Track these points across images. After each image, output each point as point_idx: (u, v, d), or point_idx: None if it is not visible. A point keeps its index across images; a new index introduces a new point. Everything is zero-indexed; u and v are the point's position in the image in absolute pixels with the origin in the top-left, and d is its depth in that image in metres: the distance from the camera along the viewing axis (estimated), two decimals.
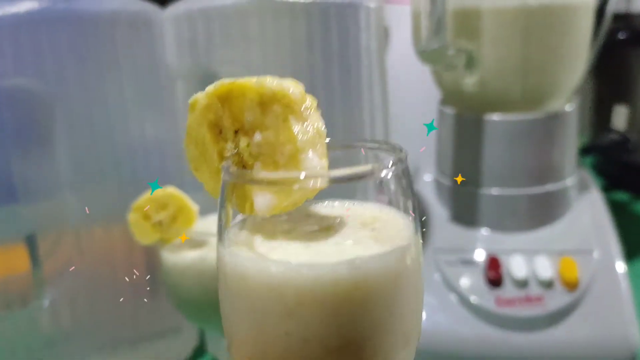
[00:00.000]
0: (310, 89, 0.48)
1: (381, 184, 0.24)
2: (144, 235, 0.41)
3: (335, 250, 0.23)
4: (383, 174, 0.23)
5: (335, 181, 0.22)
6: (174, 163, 0.54)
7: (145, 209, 0.40)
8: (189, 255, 0.40)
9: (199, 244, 0.41)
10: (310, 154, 0.21)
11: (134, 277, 0.55)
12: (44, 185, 0.50)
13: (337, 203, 0.26)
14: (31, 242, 0.51)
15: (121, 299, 0.53)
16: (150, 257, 0.55)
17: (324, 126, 0.22)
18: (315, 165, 0.21)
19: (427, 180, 0.67)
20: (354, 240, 0.23)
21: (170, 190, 0.41)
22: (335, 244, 0.23)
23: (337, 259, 0.21)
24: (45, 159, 0.50)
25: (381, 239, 0.23)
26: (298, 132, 0.21)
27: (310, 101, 0.22)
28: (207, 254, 0.40)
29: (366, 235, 0.24)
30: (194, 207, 0.41)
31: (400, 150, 0.25)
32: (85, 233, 0.52)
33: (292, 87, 0.22)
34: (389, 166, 0.23)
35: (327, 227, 0.24)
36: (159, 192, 0.40)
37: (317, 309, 0.21)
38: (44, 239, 0.51)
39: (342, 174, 0.22)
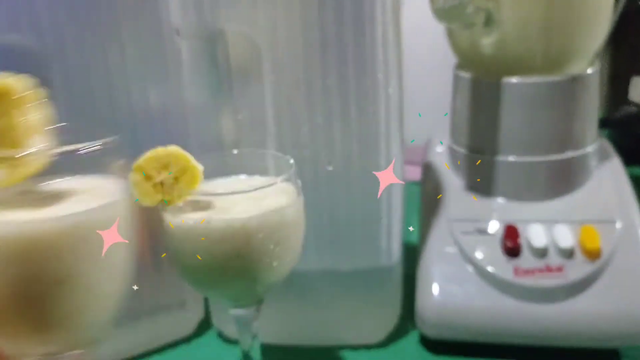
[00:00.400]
0: (321, 49, 0.45)
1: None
2: (146, 196, 0.39)
3: (42, 211, 0.30)
4: (85, 151, 0.31)
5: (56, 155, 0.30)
6: (178, 130, 0.52)
7: (146, 169, 0.38)
8: (192, 218, 0.38)
9: (204, 205, 0.39)
10: (35, 137, 0.28)
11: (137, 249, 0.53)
12: None
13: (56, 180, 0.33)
14: None
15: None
16: (154, 228, 0.53)
17: (44, 116, 0.29)
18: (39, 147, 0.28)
19: (439, 150, 0.65)
20: (67, 203, 0.31)
21: (173, 149, 0.38)
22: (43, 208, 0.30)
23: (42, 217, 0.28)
24: None
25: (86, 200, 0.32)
26: (22, 121, 0.28)
27: (34, 95, 0.29)
28: (211, 216, 0.38)
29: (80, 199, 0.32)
30: (199, 167, 0.39)
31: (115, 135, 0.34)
32: None
33: (19, 84, 0.29)
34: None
35: (44, 197, 0.31)
36: (161, 151, 0.38)
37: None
38: None
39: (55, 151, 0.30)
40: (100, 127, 0.48)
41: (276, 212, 0.39)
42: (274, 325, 0.54)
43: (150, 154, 0.39)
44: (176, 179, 0.39)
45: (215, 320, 0.58)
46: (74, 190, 0.32)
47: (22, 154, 0.27)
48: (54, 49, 0.45)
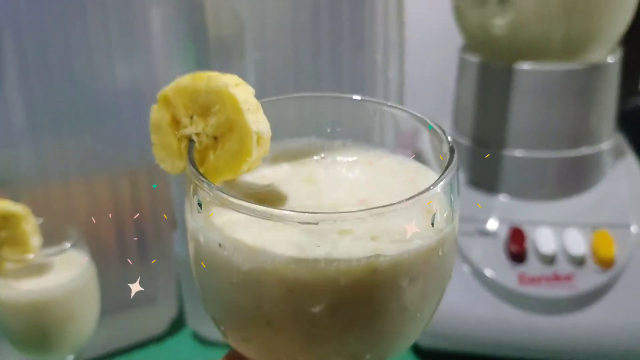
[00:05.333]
0: (313, 24, 0.40)
1: None
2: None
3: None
4: None
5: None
6: (149, 112, 0.46)
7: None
8: (25, 287, 0.35)
9: (39, 270, 0.36)
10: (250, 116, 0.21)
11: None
12: None
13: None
14: None
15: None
16: (119, 218, 0.48)
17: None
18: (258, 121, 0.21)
19: None
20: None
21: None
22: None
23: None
24: None
25: None
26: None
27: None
28: (46, 285, 0.35)
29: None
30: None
31: None
32: (41, 189, 0.44)
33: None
34: None
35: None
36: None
37: None
38: None
39: None
40: (59, 108, 0.43)
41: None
42: None
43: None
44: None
45: (189, 319, 0.53)
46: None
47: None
48: (7, 17, 0.39)
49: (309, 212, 0.18)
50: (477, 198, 0.52)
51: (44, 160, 0.43)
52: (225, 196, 0.19)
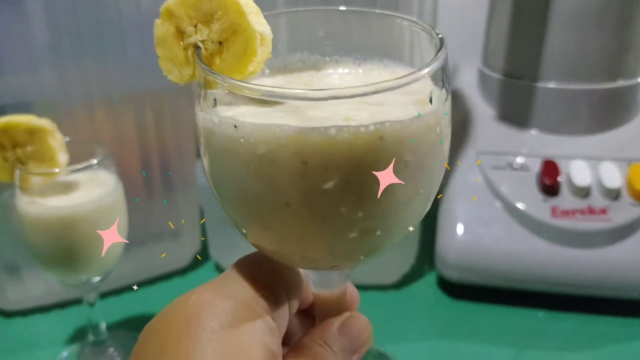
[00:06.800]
0: None
1: None
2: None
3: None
4: None
5: None
6: None
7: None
8: (52, 204, 0.34)
9: (66, 187, 0.35)
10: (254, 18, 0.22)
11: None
12: (16, 55, 0.41)
13: None
14: None
15: None
16: (145, 146, 0.47)
17: None
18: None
19: (467, 76, 0.58)
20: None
21: (32, 121, 0.30)
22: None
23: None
24: (17, 24, 0.41)
25: None
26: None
27: None
28: (74, 201, 0.34)
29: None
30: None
31: None
32: (65, 112, 0.43)
33: None
34: None
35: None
36: (18, 120, 0.30)
37: None
38: None
39: None
40: (82, 30, 0.42)
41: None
42: None
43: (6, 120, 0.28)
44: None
45: (212, 252, 0.53)
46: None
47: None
48: None
49: (317, 89, 0.19)
50: (509, 132, 0.50)
51: (67, 83, 0.42)
52: (241, 83, 0.20)
